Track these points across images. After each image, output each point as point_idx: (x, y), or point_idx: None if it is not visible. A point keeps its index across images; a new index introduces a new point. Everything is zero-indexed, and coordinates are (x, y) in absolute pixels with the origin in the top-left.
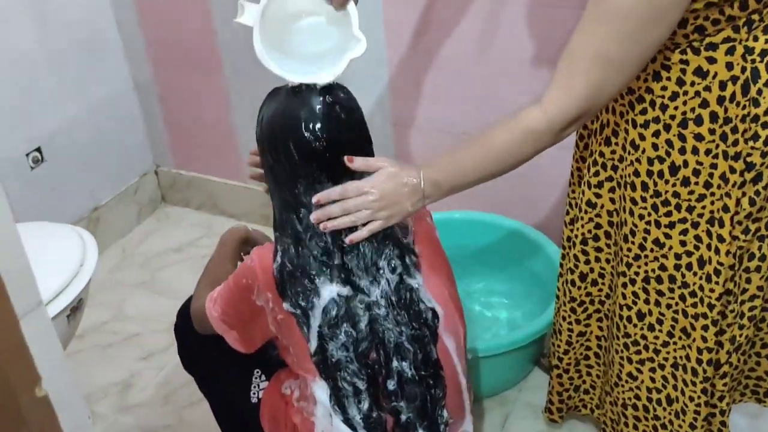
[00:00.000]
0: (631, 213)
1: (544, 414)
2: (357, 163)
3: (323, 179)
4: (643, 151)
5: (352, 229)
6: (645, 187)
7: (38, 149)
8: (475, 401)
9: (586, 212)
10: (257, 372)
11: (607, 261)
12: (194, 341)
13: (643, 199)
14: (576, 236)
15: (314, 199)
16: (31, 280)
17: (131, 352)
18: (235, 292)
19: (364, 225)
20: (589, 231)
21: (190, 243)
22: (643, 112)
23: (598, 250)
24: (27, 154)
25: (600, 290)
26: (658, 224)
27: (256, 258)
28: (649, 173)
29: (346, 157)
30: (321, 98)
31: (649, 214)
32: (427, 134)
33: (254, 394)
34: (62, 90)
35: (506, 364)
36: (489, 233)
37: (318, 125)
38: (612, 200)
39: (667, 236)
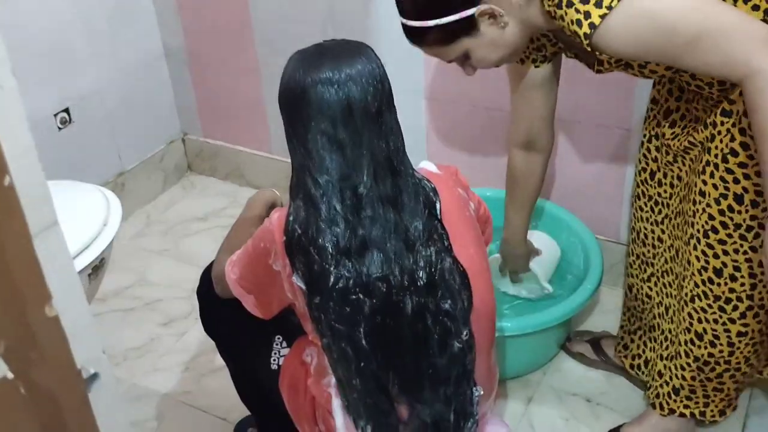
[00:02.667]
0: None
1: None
2: None
3: (339, 138)
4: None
5: None
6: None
7: (66, 110)
8: (498, 382)
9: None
10: (278, 338)
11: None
12: (216, 304)
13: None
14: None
15: None
16: (48, 199)
17: (152, 318)
18: (253, 256)
19: None
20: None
21: (215, 212)
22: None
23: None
24: (55, 115)
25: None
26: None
27: (275, 221)
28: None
29: None
30: (341, 59)
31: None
32: (460, 109)
33: (274, 360)
34: (92, 52)
35: (532, 346)
36: None
37: (333, 87)
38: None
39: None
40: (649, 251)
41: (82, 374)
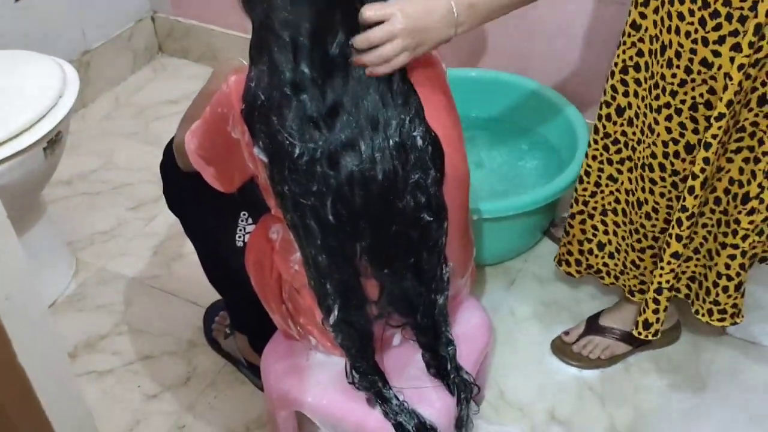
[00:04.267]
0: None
1: (559, 267)
2: (369, 13)
3: None
4: (645, 30)
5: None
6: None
7: None
8: (477, 269)
9: (629, 35)
10: (244, 214)
11: (643, 99)
12: (180, 179)
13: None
14: (616, 64)
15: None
16: None
17: (120, 202)
18: (210, 123)
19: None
20: (631, 58)
21: (187, 96)
22: None
23: (637, 82)
24: None
25: (634, 133)
26: (705, 42)
27: (233, 84)
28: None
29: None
30: None
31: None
32: None
33: (240, 237)
34: None
35: (513, 230)
36: (503, 93)
37: None
38: (654, 23)
39: (716, 54)
40: None
41: None
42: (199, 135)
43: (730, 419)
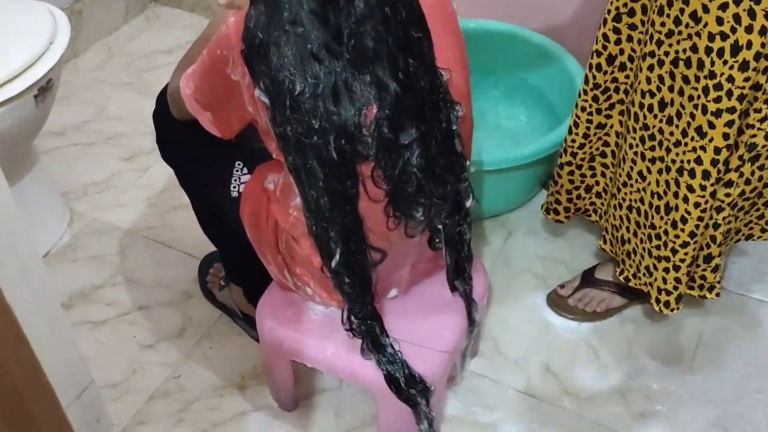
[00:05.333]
0: None
1: (547, 215)
2: None
3: None
4: None
5: None
6: None
7: None
8: (474, 222)
9: None
10: (239, 164)
11: (639, 42)
12: (174, 128)
13: None
14: (609, 11)
15: None
16: None
17: (114, 153)
18: (209, 66)
19: None
20: (625, 5)
21: (180, 46)
22: None
23: (632, 27)
24: None
25: (627, 77)
26: None
27: (232, 24)
28: None
29: None
30: None
31: None
32: None
33: (235, 187)
34: None
35: (512, 182)
36: (503, 44)
37: None
38: None
39: (705, 9)
40: None
41: None
42: (196, 79)
43: (725, 370)
